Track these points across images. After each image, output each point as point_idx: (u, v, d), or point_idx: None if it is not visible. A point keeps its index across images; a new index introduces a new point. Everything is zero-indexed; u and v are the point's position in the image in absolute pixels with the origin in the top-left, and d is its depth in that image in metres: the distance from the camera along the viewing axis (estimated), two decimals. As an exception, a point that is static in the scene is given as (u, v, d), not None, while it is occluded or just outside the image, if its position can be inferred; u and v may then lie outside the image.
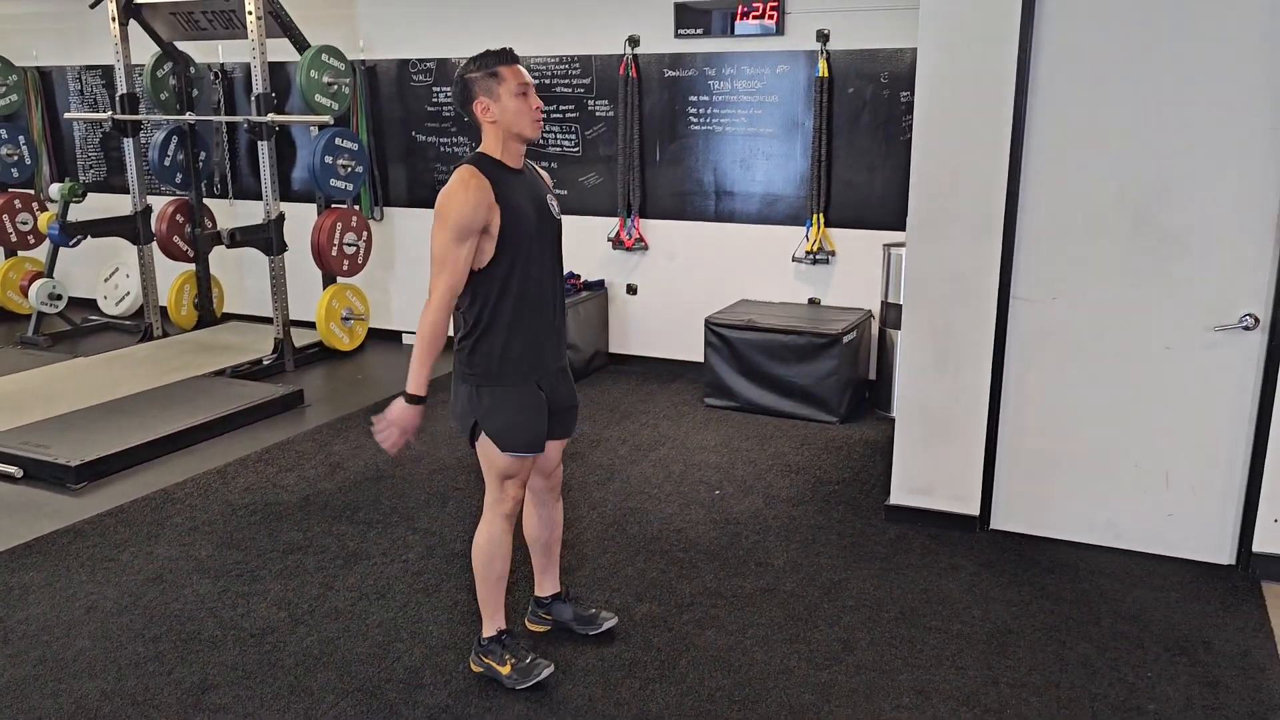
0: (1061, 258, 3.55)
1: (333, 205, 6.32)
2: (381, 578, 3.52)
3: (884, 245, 5.25)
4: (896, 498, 3.97)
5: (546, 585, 3.17)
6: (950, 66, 3.55)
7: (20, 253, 7.55)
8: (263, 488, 4.33)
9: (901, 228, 5.28)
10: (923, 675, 2.91)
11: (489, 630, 2.90)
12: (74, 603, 3.35)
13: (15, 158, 7.37)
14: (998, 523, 3.85)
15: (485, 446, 2.78)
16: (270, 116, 5.91)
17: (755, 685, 2.87)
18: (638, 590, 3.43)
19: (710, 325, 5.40)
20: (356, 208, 6.49)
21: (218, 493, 4.28)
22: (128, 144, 6.56)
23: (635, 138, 5.91)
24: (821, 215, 5.56)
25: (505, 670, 2.85)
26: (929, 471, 3.89)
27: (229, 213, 7.21)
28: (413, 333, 6.87)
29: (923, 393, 3.84)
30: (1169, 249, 3.40)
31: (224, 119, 6.83)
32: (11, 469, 4.43)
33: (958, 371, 3.76)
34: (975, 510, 3.84)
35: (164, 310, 6.94)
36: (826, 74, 5.39)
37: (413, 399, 2.63)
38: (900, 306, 5.12)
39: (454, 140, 6.47)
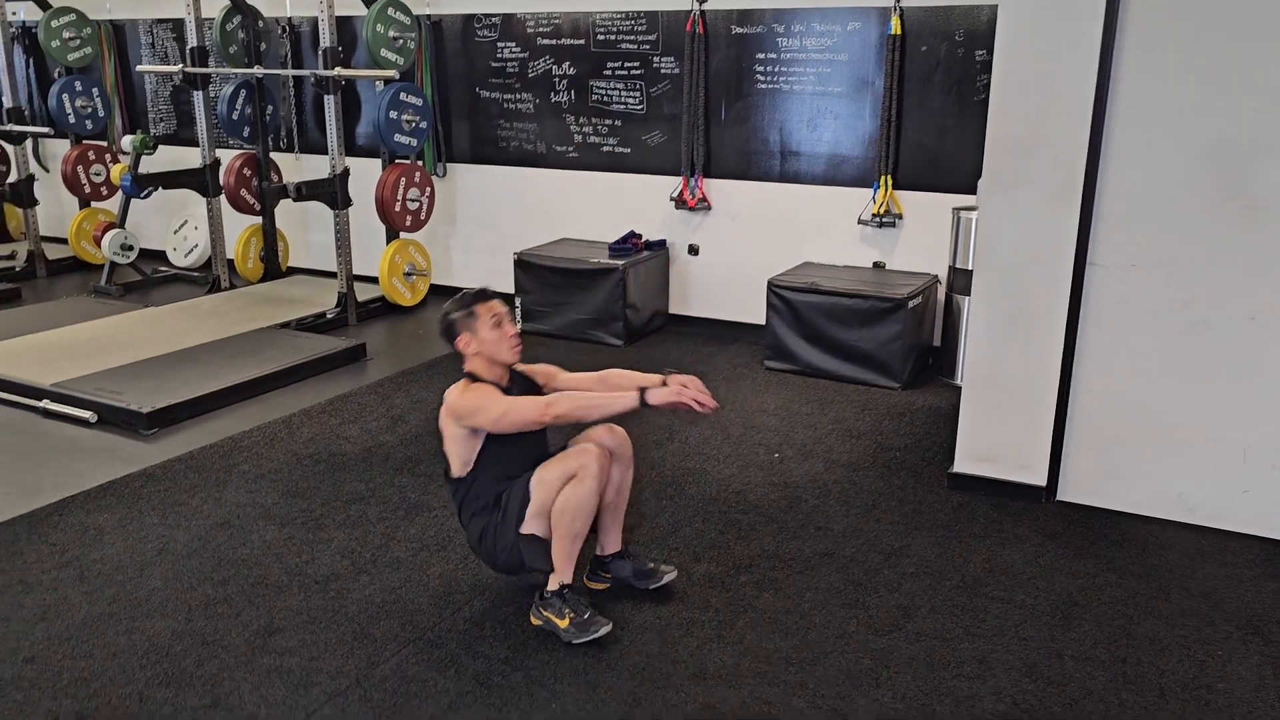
0: (1143, 223, 3.43)
1: (397, 160, 6.35)
2: (442, 530, 3.56)
3: (953, 209, 5.13)
4: (960, 465, 3.90)
5: (609, 544, 3.18)
6: (1032, 21, 3.42)
7: (93, 204, 7.72)
8: (326, 438, 4.40)
9: (972, 191, 5.16)
10: (984, 645, 2.87)
11: (554, 584, 2.93)
12: (146, 544, 3.44)
13: (89, 110, 7.51)
14: (1065, 494, 3.77)
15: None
16: (336, 70, 5.93)
17: (813, 648, 2.86)
18: (696, 550, 3.43)
19: (773, 287, 5.33)
20: (420, 163, 6.51)
21: (283, 442, 4.36)
22: (197, 97, 6.65)
23: (701, 96, 5.83)
24: (889, 177, 5.44)
25: (564, 624, 2.88)
26: (995, 439, 3.82)
27: (294, 167, 7.28)
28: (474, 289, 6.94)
29: (992, 359, 3.75)
30: (1258, 216, 3.26)
31: (291, 73, 6.87)
32: (86, 414, 4.56)
33: (1029, 338, 3.66)
34: (1042, 480, 3.76)
35: (231, 263, 7.05)
36: (899, 31, 5.25)
37: (643, 392, 2.80)
38: (969, 272, 5.02)
39: (517, 97, 6.44)
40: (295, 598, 3.11)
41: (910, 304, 5.04)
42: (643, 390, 2.80)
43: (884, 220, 5.49)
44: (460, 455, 2.97)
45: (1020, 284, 3.64)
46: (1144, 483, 3.64)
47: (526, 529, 2.90)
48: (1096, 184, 3.45)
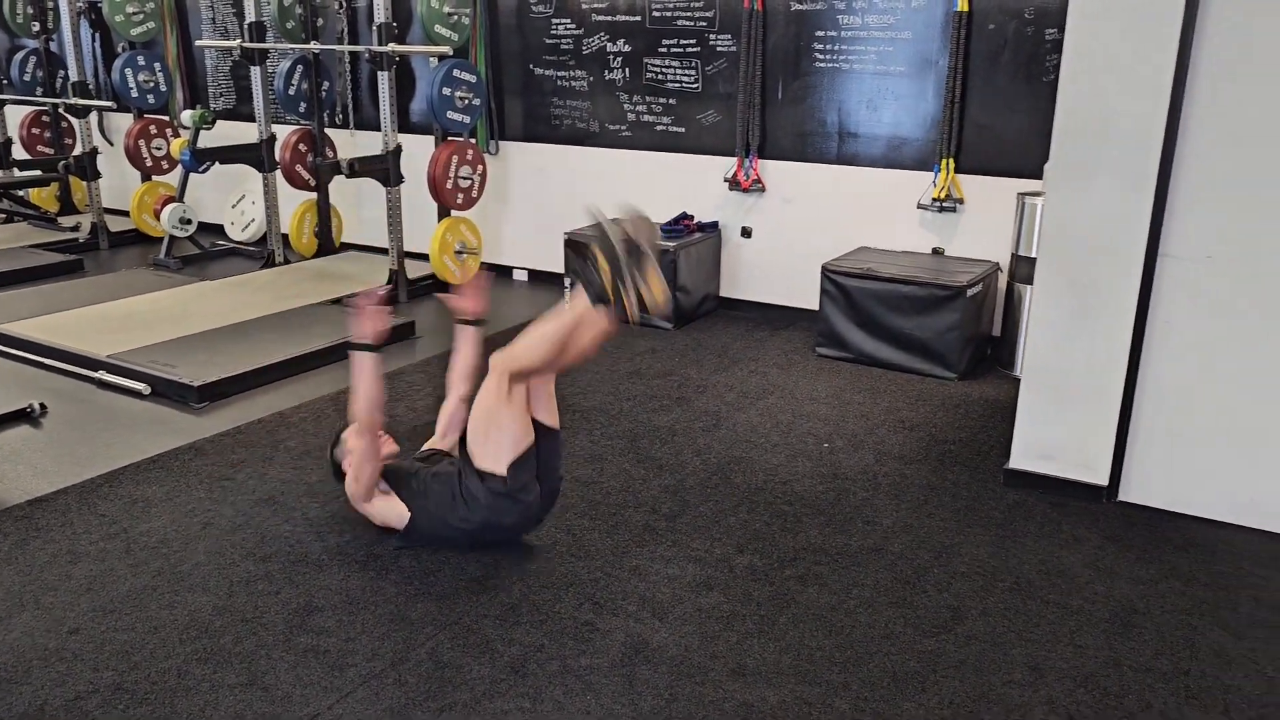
0: (1220, 212, 3.26)
1: (449, 138, 6.32)
2: (484, 512, 3.52)
3: (1018, 194, 4.95)
4: (1017, 462, 3.77)
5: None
6: (1108, -1, 3.26)
7: (154, 177, 7.82)
8: (373, 416, 4.39)
9: (1038, 175, 4.98)
10: (1037, 651, 2.76)
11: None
12: (192, 518, 3.46)
13: (152, 84, 7.59)
14: (1127, 494, 3.62)
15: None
16: (391, 46, 5.90)
17: (857, 648, 2.77)
18: (739, 541, 3.35)
19: (827, 272, 5.21)
20: (473, 141, 6.47)
21: (330, 419, 4.36)
22: (255, 72, 6.67)
23: (757, 75, 5.70)
24: (952, 160, 5.27)
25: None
26: (1055, 436, 3.68)
27: (349, 143, 7.29)
28: (524, 268, 6.93)
29: (1054, 351, 3.61)
30: (1346, 207, 3.08)
31: (346, 48, 6.87)
32: (140, 386, 4.61)
33: (1095, 330, 3.51)
34: (1104, 480, 3.62)
35: (285, 238, 7.10)
36: (966, 8, 5.06)
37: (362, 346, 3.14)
38: (1032, 260, 4.85)
39: (571, 74, 6.36)
40: (335, 577, 3.09)
41: (969, 292, 4.88)
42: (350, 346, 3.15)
43: (944, 205, 5.32)
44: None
45: (1087, 274, 3.48)
46: (1213, 485, 3.48)
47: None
48: (1172, 170, 3.28)
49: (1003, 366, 5.14)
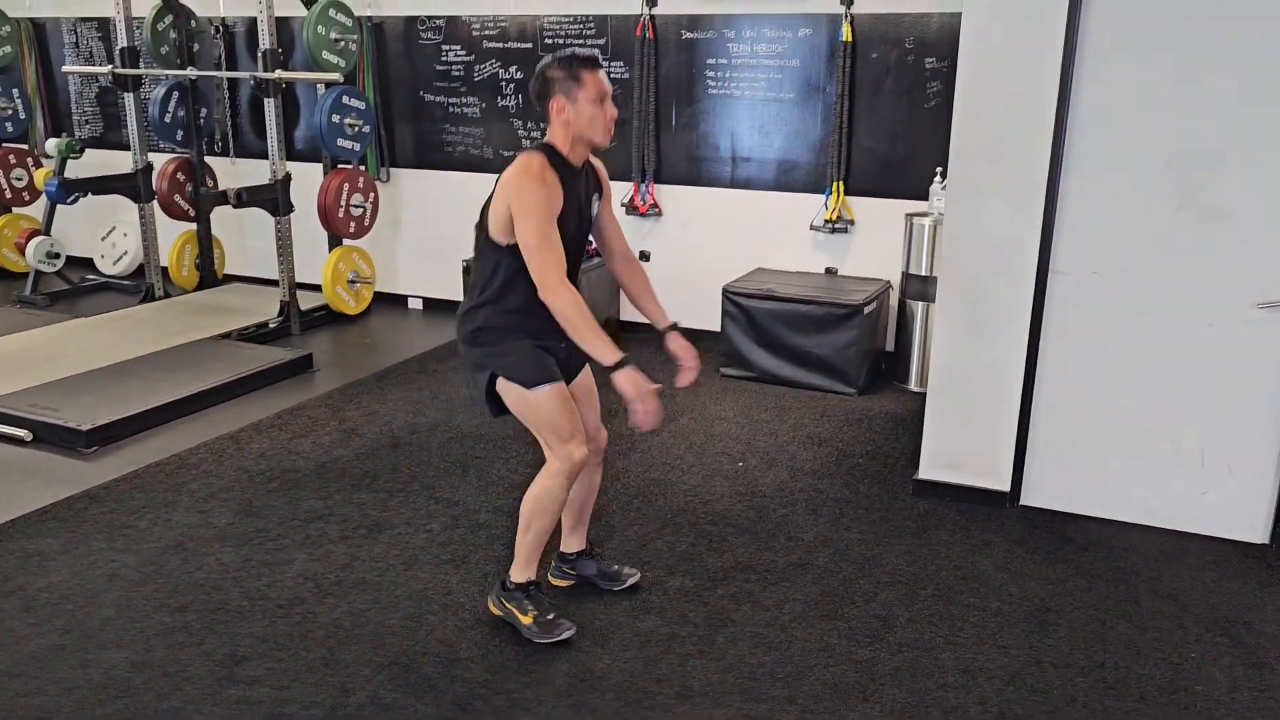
0: (1103, 230, 3.49)
1: (339, 166, 6.19)
2: (407, 548, 3.46)
3: (906, 214, 5.17)
4: (925, 472, 3.93)
5: (574, 542, 3.19)
6: (995, 28, 3.45)
7: (14, 209, 7.37)
8: (278, 454, 4.25)
9: (924, 196, 5.22)
10: (965, 654, 2.88)
11: (519, 577, 2.91)
12: (95, 570, 3.28)
13: (9, 112, 7.18)
14: (1028, 499, 3.82)
15: (516, 399, 2.78)
16: (277, 73, 5.75)
17: (796, 662, 2.83)
18: (669, 563, 3.38)
19: (728, 294, 5.32)
20: (363, 168, 6.35)
21: (232, 459, 4.20)
22: (128, 99, 6.39)
23: (651, 101, 5.80)
24: (842, 183, 5.47)
25: (527, 620, 2.86)
26: (959, 446, 3.85)
27: (230, 171, 7.05)
28: (419, 296, 6.82)
29: (956, 365, 3.78)
30: (1215, 224, 3.34)
31: (228, 75, 6.66)
32: (21, 432, 4.33)
33: (992, 344, 3.70)
34: (1006, 486, 3.81)
35: (165, 271, 6.80)
36: (850, 38, 5.28)
37: (621, 363, 2.60)
38: (922, 277, 5.08)
39: (463, 101, 6.33)
40: (259, 623, 2.98)
41: (866, 310, 5.07)
42: (617, 364, 2.60)
43: (836, 226, 5.51)
44: (504, 228, 2.68)
45: (984, 290, 3.67)
46: (1106, 486, 3.70)
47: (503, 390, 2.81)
48: (1059, 192, 3.49)
49: (898, 381, 5.35)
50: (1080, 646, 2.92)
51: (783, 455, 4.33)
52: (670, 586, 3.23)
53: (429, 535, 3.55)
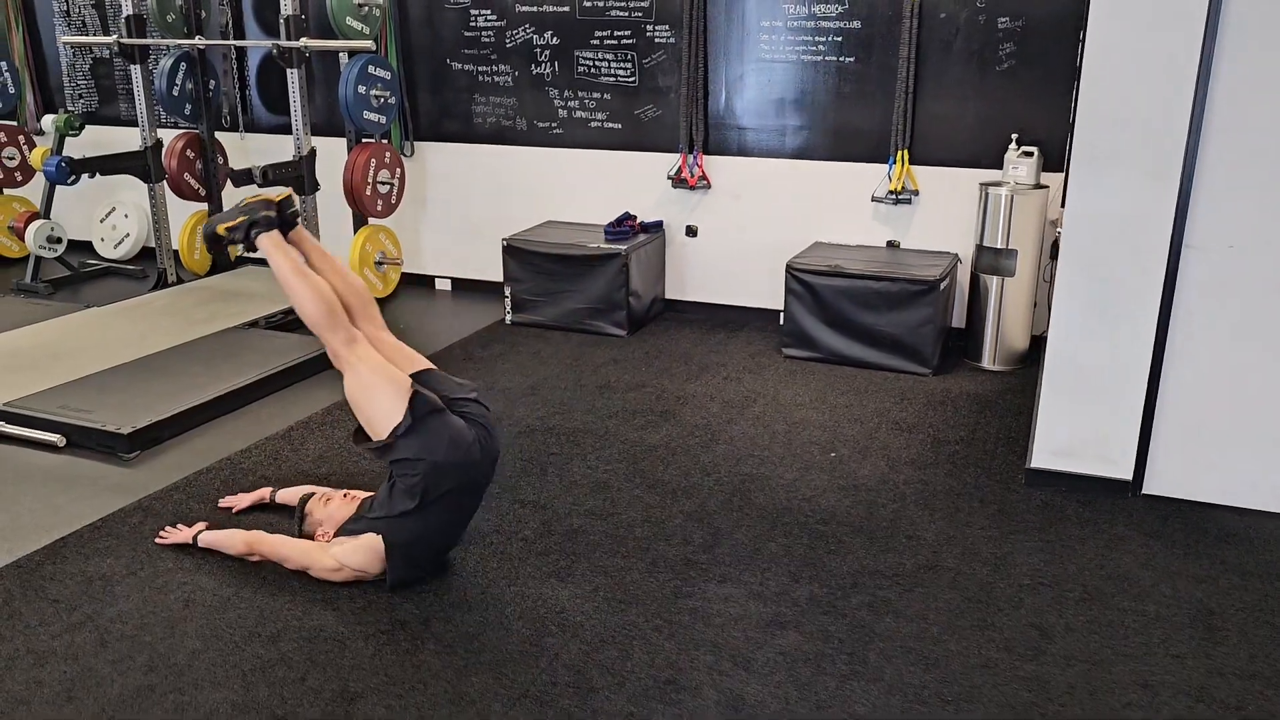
0: (1243, 204, 3.25)
1: (363, 140, 5.83)
2: (505, 560, 3.18)
3: (980, 184, 4.91)
4: (1039, 460, 3.70)
5: None
6: (1132, -12, 3.19)
7: (5, 190, 6.94)
8: (337, 456, 3.95)
9: (996, 165, 4.97)
10: (1140, 666, 2.66)
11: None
12: (167, 595, 2.97)
13: (-2, 86, 6.73)
14: (1151, 487, 3.60)
15: None
16: (303, 41, 5.37)
17: (961, 681, 2.60)
18: (791, 570, 3.14)
19: (792, 271, 5.05)
20: (388, 143, 6.00)
21: (290, 461, 3.89)
22: (135, 71, 5.97)
23: (700, 67, 5.48)
24: (906, 151, 5.20)
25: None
26: (1076, 432, 3.62)
27: (240, 147, 6.65)
28: (447, 277, 6.48)
29: (1075, 347, 3.55)
30: (1372, 193, 3.11)
31: (248, 44, 6.24)
32: (53, 437, 3.99)
33: (1117, 324, 3.47)
34: (1128, 474, 3.59)
35: (175, 254, 6.42)
36: (917, -2, 4.99)
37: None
38: (998, 250, 4.84)
39: (493, 69, 5.98)
40: (363, 653, 2.70)
41: (941, 285, 4.82)
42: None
43: (900, 197, 5.25)
44: None
45: (1109, 267, 3.43)
46: (1237, 473, 3.49)
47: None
48: (1196, 161, 3.25)
49: (970, 359, 5.11)
50: (1259, 655, 2.71)
51: (874, 444, 4.08)
52: (799, 596, 2.99)
53: (524, 544, 3.28)
